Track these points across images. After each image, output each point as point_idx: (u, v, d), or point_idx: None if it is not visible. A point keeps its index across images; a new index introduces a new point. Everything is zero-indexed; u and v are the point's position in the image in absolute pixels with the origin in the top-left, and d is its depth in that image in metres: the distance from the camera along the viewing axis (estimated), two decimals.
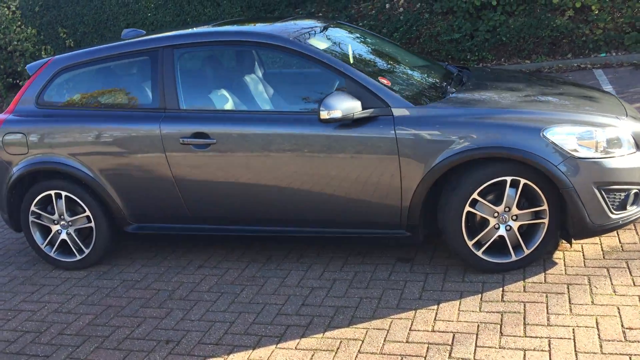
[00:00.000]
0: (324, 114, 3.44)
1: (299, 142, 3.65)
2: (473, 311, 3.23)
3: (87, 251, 4.29)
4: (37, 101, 4.26)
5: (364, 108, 3.52)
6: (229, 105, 3.93)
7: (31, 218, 4.33)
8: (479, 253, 3.54)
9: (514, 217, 3.50)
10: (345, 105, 3.45)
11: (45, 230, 4.38)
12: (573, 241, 3.65)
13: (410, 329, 3.14)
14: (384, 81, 3.68)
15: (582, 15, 10.32)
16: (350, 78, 3.62)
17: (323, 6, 12.49)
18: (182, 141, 3.84)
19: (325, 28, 4.26)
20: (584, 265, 3.55)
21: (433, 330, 3.11)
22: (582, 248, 3.74)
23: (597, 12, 10.14)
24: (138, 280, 4.10)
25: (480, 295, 3.38)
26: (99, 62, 4.23)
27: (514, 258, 3.55)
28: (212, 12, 12.08)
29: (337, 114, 3.44)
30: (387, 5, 11.78)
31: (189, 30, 4.16)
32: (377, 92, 3.57)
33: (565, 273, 3.49)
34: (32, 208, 4.30)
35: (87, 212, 4.20)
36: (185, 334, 3.38)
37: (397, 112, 3.53)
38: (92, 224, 4.22)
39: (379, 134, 3.52)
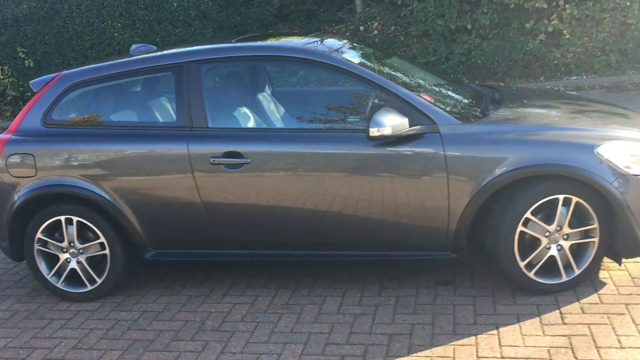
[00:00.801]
0: (373, 131, 3.29)
1: (341, 160, 3.49)
2: (537, 335, 3.11)
3: (99, 281, 3.97)
4: (45, 120, 3.94)
5: (410, 125, 3.39)
6: (262, 123, 3.73)
7: (36, 246, 3.98)
8: (531, 274, 3.43)
9: (565, 236, 3.42)
10: (394, 122, 3.31)
11: (51, 259, 4.03)
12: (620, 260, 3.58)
13: (477, 356, 2.99)
14: (427, 98, 3.57)
15: (553, 40, 10.58)
16: (394, 95, 3.49)
17: (295, 28, 12.42)
18: (212, 161, 3.60)
19: (353, 46, 4.12)
20: (634, 284, 3.50)
21: (502, 357, 2.96)
22: (626, 267, 3.69)
23: (568, 36, 10.40)
24: (159, 311, 3.80)
25: (538, 318, 3.27)
26: (115, 78, 3.96)
27: (564, 279, 3.46)
28: (183, 33, 11.83)
29: (387, 131, 3.30)
30: (362, 28, 11.80)
31: (216, 45, 3.95)
32: (422, 109, 3.45)
33: (619, 293, 3.42)
34: (39, 235, 3.96)
35: (102, 239, 3.89)
36: None
37: (444, 129, 3.41)
38: (107, 251, 3.91)
39: (427, 152, 3.39)
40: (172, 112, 3.80)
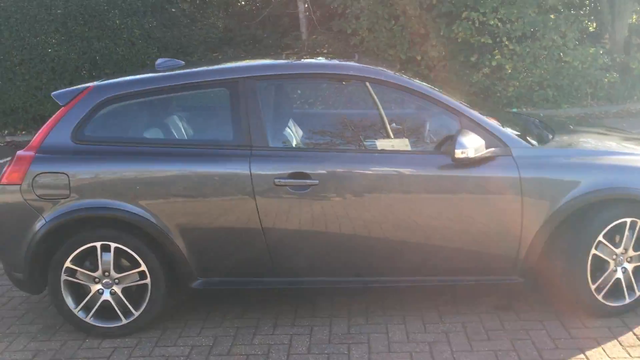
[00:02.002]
0: (458, 153, 3.25)
1: (414, 183, 3.41)
2: (625, 357, 3.14)
3: (136, 313, 3.60)
4: (75, 136, 3.56)
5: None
6: (328, 143, 3.57)
7: (64, 276, 3.56)
8: (600, 297, 3.49)
9: (629, 259, 3.51)
10: (476, 144, 3.29)
11: (77, 291, 3.61)
12: None
13: None
14: (495, 121, 3.58)
15: (496, 74, 11.09)
16: (466, 117, 3.47)
17: (241, 52, 12.25)
18: (277, 182, 3.40)
19: (399, 70, 4.07)
20: None
21: None
22: None
23: (510, 71, 10.95)
24: (211, 345, 3.50)
25: (616, 340, 3.32)
26: (156, 93, 3.67)
27: (627, 300, 3.54)
28: (126, 52, 11.32)
29: (470, 152, 3.27)
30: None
31: (276, 62, 3.77)
32: (494, 132, 3.46)
33: None
34: (67, 264, 3.54)
35: (142, 267, 3.53)
36: None
37: (516, 152, 3.42)
38: (148, 281, 3.56)
39: (502, 174, 3.39)
40: (226, 130, 3.55)
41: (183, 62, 4.13)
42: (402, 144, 3.56)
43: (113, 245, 3.51)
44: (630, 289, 3.55)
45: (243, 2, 13.84)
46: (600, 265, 3.49)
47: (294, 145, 3.59)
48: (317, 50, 12.10)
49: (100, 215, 3.49)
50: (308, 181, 3.40)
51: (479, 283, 3.59)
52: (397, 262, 3.53)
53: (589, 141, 3.78)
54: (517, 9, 10.60)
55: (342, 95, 3.96)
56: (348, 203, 3.41)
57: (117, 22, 11.14)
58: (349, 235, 3.46)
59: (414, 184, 3.41)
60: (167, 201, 3.47)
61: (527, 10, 10.61)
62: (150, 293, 3.57)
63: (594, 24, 11.64)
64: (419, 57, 11.06)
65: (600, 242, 3.41)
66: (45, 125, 3.65)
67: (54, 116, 3.66)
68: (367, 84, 3.58)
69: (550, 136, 3.75)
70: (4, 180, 3.52)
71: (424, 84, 3.63)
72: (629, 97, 11.05)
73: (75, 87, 3.78)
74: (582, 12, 11.37)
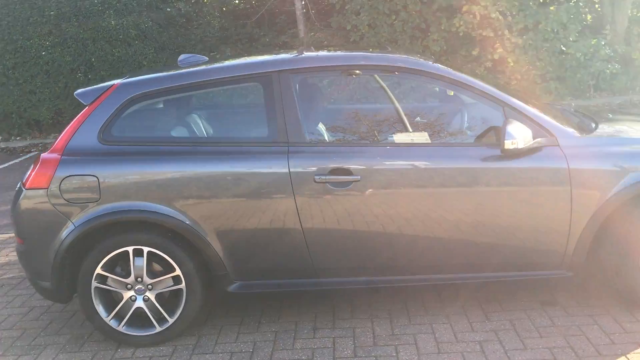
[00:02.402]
0: (508, 144, 3.13)
1: (459, 176, 3.28)
2: None
3: (171, 320, 3.44)
4: (103, 136, 3.39)
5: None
6: (368, 138, 3.44)
7: (95, 283, 3.39)
8: None
9: None
10: (523, 135, 3.18)
11: (107, 299, 3.45)
12: None
13: None
14: (538, 110, 3.46)
15: (498, 67, 11.01)
16: (511, 107, 3.36)
17: (237, 50, 12.07)
18: (317, 179, 3.26)
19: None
20: None
21: None
22: None
23: (512, 64, 10.87)
24: (251, 351, 3.35)
25: None
26: (185, 90, 3.52)
27: None
28: (122, 53, 11.11)
29: (520, 143, 3.16)
30: None
31: (310, 54, 3.62)
32: (539, 122, 3.35)
33: None
34: (98, 270, 3.38)
35: (177, 271, 3.38)
36: None
37: (563, 142, 3.31)
38: (182, 286, 3.40)
39: (550, 165, 3.27)
40: (261, 126, 3.40)
41: (207, 58, 3.98)
42: (444, 136, 3.42)
43: (146, 249, 3.35)
44: None
45: (237, 1, 13.65)
46: None
47: (332, 141, 3.45)
48: (323, 46, 11.93)
49: (133, 218, 3.33)
50: (350, 177, 3.26)
51: (526, 278, 3.46)
52: (441, 259, 3.40)
53: (635, 129, 3.68)
54: (518, 1, 10.52)
55: (378, 88, 3.81)
56: (391, 198, 3.29)
57: (113, 22, 10.92)
58: (391, 232, 3.33)
59: (458, 178, 3.28)
60: (202, 202, 3.32)
61: (528, 2, 10.54)
62: (186, 298, 3.42)
63: (589, 16, 11.57)
64: (420, 52, 10.93)
65: None
66: (69, 126, 3.48)
67: (78, 116, 3.50)
68: (413, 75, 3.45)
69: (593, 125, 3.64)
70: (29, 185, 3.35)
71: (468, 75, 3.50)
72: (631, 88, 11.02)
73: (98, 86, 3.63)
74: (581, 4, 11.30)
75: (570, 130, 3.39)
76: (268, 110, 3.38)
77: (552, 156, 3.28)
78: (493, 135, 3.39)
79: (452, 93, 3.76)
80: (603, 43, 10.94)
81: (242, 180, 3.30)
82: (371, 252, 3.38)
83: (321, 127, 3.50)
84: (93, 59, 11.15)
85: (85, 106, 3.49)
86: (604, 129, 3.61)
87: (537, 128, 3.31)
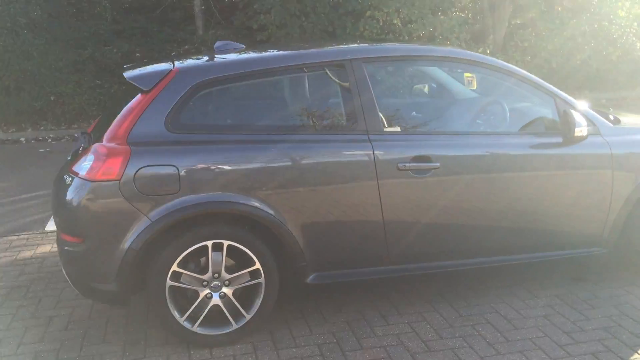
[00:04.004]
0: (578, 131, 3.44)
1: (527, 163, 3.54)
2: None
3: (248, 317, 3.29)
4: (171, 125, 3.16)
5: None
6: (444, 126, 3.56)
7: (170, 282, 3.15)
8: None
9: None
10: (585, 124, 3.50)
11: (181, 297, 3.22)
12: None
13: None
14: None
15: None
16: (560, 98, 3.67)
17: (135, 46, 11.50)
18: (400, 167, 3.32)
19: None
20: None
21: None
22: None
23: None
24: (335, 341, 3.31)
25: None
26: (254, 77, 3.38)
27: None
28: (8, 42, 10.06)
29: (584, 131, 3.48)
30: None
31: (379, 45, 3.65)
32: (585, 113, 3.69)
33: None
34: (174, 267, 3.14)
35: (257, 265, 3.24)
36: None
37: (604, 130, 3.70)
38: (262, 280, 3.27)
39: (597, 151, 3.64)
40: (338, 114, 3.38)
41: (244, 46, 3.85)
42: (507, 124, 3.65)
43: (226, 243, 3.17)
44: None
45: None
46: None
47: (408, 129, 3.52)
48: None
49: (216, 210, 3.14)
50: (430, 164, 3.36)
51: (568, 256, 3.78)
52: (505, 241, 3.62)
53: None
54: (417, 9, 11.18)
55: (442, 80, 3.95)
56: (467, 184, 3.44)
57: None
58: (465, 217, 3.48)
59: (526, 164, 3.53)
60: (284, 191, 3.22)
61: (426, 12, 11.24)
62: (264, 293, 3.28)
63: (477, 26, 12.61)
64: None
65: None
66: (127, 113, 3.19)
67: (135, 103, 3.21)
68: (481, 68, 3.63)
69: (612, 117, 4.08)
70: (98, 177, 3.02)
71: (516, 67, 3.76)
72: None
73: (153, 70, 3.38)
74: (470, 15, 12.27)
75: (606, 121, 3.78)
76: (345, 99, 3.37)
77: (597, 143, 3.65)
78: (540, 124, 3.69)
79: (474, 84, 3.99)
80: (488, 52, 11.98)
81: (326, 169, 3.26)
82: (445, 237, 3.50)
83: (396, 115, 3.56)
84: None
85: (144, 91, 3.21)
86: (627, 120, 4.07)
87: (584, 118, 3.66)
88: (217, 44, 3.86)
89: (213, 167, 3.13)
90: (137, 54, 11.13)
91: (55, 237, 3.52)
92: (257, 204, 3.16)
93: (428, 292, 3.85)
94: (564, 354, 3.15)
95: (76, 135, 9.51)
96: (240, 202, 3.15)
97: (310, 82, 3.48)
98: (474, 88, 4.00)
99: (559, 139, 3.57)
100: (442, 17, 11.76)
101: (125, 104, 3.36)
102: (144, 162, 3.05)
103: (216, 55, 3.57)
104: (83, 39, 10.89)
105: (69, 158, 3.77)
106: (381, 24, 11.09)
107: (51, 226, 5.35)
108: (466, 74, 3.97)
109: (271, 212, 3.18)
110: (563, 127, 3.53)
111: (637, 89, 12.95)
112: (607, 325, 3.42)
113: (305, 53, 3.55)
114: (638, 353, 3.15)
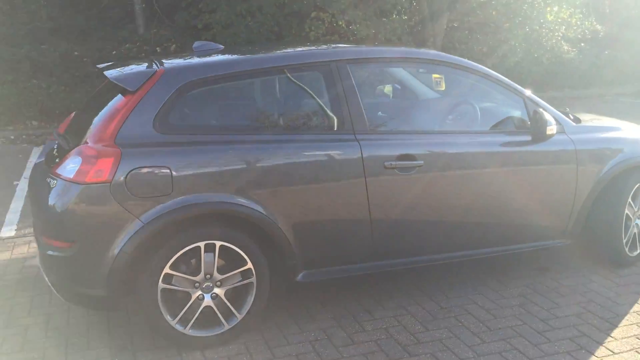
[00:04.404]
0: (549, 130, 3.65)
1: (501, 160, 3.71)
2: None
3: (240, 316, 3.29)
4: (159, 126, 3.11)
5: None
6: (426, 125, 3.68)
7: (162, 285, 3.11)
8: (629, 251, 4.16)
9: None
10: (554, 122, 3.72)
11: (172, 300, 3.19)
12: None
13: None
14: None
15: None
16: (529, 99, 3.87)
17: (73, 45, 11.14)
18: (387, 165, 3.42)
19: None
20: None
21: None
22: None
23: None
24: (326, 337, 3.37)
25: None
26: (241, 77, 3.39)
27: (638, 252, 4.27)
28: None
29: (554, 129, 3.69)
30: (158, 49, 11.28)
31: (362, 47, 3.73)
32: (551, 113, 3.91)
33: None
34: (166, 270, 3.11)
35: (249, 264, 3.26)
36: None
37: (568, 129, 3.93)
38: (254, 279, 3.28)
39: (563, 148, 3.87)
40: (324, 115, 3.44)
41: (222, 46, 3.86)
42: (481, 123, 3.82)
43: (218, 243, 3.17)
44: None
45: None
46: (627, 223, 4.14)
47: (393, 129, 3.62)
48: (158, 46, 11.52)
49: (210, 211, 3.14)
50: (414, 162, 3.47)
51: (533, 249, 3.99)
52: (483, 235, 3.78)
53: (604, 119, 4.45)
54: (361, 11, 11.36)
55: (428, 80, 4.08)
56: (446, 182, 3.58)
57: None
58: (448, 212, 3.62)
59: (501, 161, 3.71)
60: (275, 190, 3.25)
61: (370, 14, 11.44)
62: (256, 292, 3.30)
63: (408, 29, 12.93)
64: None
65: (630, 203, 4.07)
66: (113, 114, 3.14)
67: (121, 103, 3.16)
68: (451, 69, 3.78)
69: (572, 117, 4.32)
70: (89, 179, 2.95)
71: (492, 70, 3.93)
72: None
73: (137, 70, 3.35)
74: (410, 19, 12.57)
75: (569, 119, 4.02)
76: (332, 100, 3.44)
77: (563, 141, 3.87)
78: (510, 123, 3.88)
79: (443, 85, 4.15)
80: None
81: (316, 167, 3.32)
82: (428, 232, 3.62)
83: (380, 116, 3.65)
84: None
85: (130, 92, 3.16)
86: (587, 120, 4.32)
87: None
88: (196, 44, 3.85)
89: (205, 168, 3.12)
90: (76, 53, 10.77)
91: (36, 243, 3.41)
92: (249, 204, 3.17)
93: (407, 286, 3.95)
94: (544, 339, 3.32)
95: (21, 136, 9.13)
96: (234, 202, 3.15)
97: (296, 83, 3.52)
98: (443, 89, 4.14)
99: (528, 137, 3.76)
100: (384, 19, 11.99)
101: (104, 105, 3.31)
102: (136, 163, 3.00)
103: (201, 56, 3.54)
104: (18, 36, 10.45)
105: (41, 159, 3.67)
106: (326, 25, 11.19)
107: (7, 232, 5.14)
108: (434, 75, 4.11)
109: (263, 211, 3.20)
110: (534, 125, 3.72)
111: (564, 90, 13.66)
112: (578, 312, 3.63)
113: (292, 54, 3.58)
114: (611, 336, 3.36)
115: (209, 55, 3.58)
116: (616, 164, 3.97)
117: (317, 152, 3.33)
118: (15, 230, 5.20)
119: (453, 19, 12.87)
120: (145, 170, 3.01)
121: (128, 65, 3.69)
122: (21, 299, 3.86)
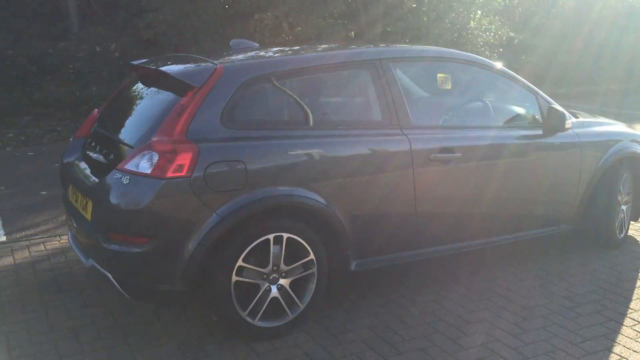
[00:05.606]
0: (569, 123, 4.04)
1: (527, 151, 4.09)
2: None
3: (302, 306, 3.39)
4: (227, 121, 3.16)
5: None
6: (461, 121, 3.97)
7: (235, 277, 3.16)
8: (618, 234, 4.63)
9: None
10: (570, 117, 4.11)
11: (241, 294, 3.24)
12: None
13: None
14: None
15: None
16: (541, 96, 4.23)
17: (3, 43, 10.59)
18: (432, 157, 3.65)
19: None
20: None
21: None
22: None
23: None
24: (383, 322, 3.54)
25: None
26: (299, 74, 3.50)
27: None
28: None
29: (571, 123, 4.07)
30: (98, 48, 10.92)
31: (405, 47, 3.98)
32: (557, 108, 4.29)
33: None
34: (240, 262, 3.15)
35: (311, 255, 3.36)
36: None
37: (570, 124, 4.33)
38: (315, 270, 3.39)
39: (569, 140, 4.28)
40: (372, 110, 3.62)
41: (257, 44, 3.97)
42: (511, 120, 4.17)
43: (286, 235, 3.25)
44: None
45: None
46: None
47: (433, 125, 3.87)
48: (97, 45, 11.15)
49: (282, 204, 3.22)
50: (453, 155, 3.72)
51: (541, 235, 4.36)
52: (509, 221, 4.11)
53: (595, 116, 4.92)
54: (305, 14, 11.55)
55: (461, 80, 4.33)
56: (481, 172, 3.87)
57: None
58: (481, 200, 3.91)
59: (527, 153, 4.09)
60: (337, 183, 3.39)
61: (313, 18, 11.64)
62: (317, 282, 3.41)
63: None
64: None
65: (620, 191, 4.54)
66: (180, 110, 3.13)
67: (186, 99, 3.16)
68: (480, 69, 4.09)
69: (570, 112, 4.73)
70: (169, 174, 2.95)
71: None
72: None
73: (198, 66, 3.37)
74: (352, 22, 12.89)
75: (571, 115, 4.43)
76: (379, 96, 3.61)
77: (570, 134, 4.27)
78: (522, 118, 4.24)
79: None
80: None
81: (371, 160, 3.49)
82: (465, 218, 3.89)
83: (420, 111, 3.87)
84: None
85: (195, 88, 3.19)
86: (584, 116, 4.77)
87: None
88: (233, 42, 3.91)
89: (275, 162, 3.20)
90: (10, 51, 10.22)
91: (88, 241, 3.33)
92: (314, 196, 3.28)
93: (440, 275, 4.17)
94: (574, 314, 3.66)
95: None
96: (301, 194, 3.25)
97: (342, 79, 3.68)
98: (449, 88, 4.43)
99: (540, 131, 4.14)
100: (322, 22, 12.24)
101: (150, 101, 3.36)
102: (213, 158, 3.03)
103: (257, 54, 3.61)
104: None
105: (69, 159, 3.65)
106: (270, 26, 11.28)
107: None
108: (439, 74, 4.37)
109: (325, 202, 3.32)
110: (549, 120, 4.08)
111: None
112: (594, 289, 4.01)
113: (339, 53, 3.74)
114: (631, 308, 3.75)
115: (267, 52, 3.67)
116: (611, 154, 4.42)
117: (372, 147, 3.50)
118: (5, 235, 4.96)
119: (387, 23, 13.32)
120: (222, 164, 3.05)
121: (165, 61, 3.69)
122: (54, 303, 3.73)
